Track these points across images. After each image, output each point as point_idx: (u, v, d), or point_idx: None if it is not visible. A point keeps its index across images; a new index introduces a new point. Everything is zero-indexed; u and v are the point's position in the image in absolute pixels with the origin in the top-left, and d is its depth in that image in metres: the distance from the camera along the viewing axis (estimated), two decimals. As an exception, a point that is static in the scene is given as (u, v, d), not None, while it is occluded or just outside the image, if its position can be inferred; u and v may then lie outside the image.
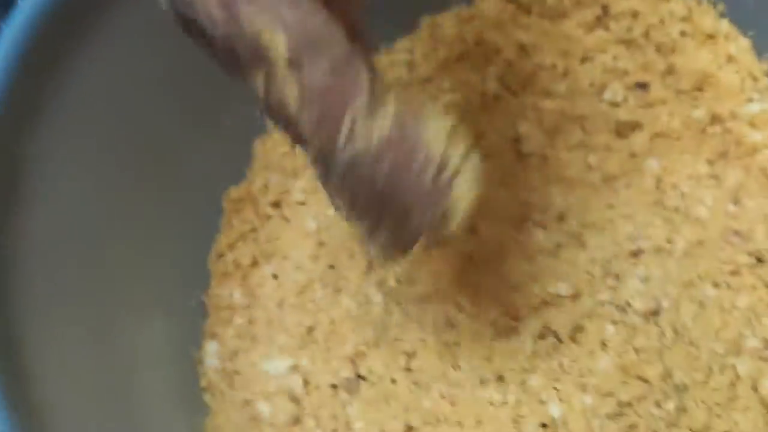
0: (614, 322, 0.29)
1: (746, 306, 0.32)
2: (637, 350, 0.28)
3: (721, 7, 0.37)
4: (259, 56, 0.19)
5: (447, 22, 0.41)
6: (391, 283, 0.34)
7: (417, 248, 0.23)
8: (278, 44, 0.19)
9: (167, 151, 0.36)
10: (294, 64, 0.19)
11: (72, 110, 0.30)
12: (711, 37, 0.37)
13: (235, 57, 0.20)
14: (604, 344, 0.29)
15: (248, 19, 0.19)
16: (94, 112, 0.32)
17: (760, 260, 0.33)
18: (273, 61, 0.19)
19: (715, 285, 0.33)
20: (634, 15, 0.38)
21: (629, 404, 0.28)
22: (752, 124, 0.35)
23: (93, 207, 0.32)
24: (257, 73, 0.20)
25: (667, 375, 0.28)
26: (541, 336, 0.29)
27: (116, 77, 0.32)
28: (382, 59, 0.41)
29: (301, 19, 0.19)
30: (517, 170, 0.37)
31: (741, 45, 0.37)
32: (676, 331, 0.31)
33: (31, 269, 0.28)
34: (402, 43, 0.41)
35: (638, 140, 0.37)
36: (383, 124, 0.20)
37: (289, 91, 0.19)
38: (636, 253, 0.33)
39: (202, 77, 0.33)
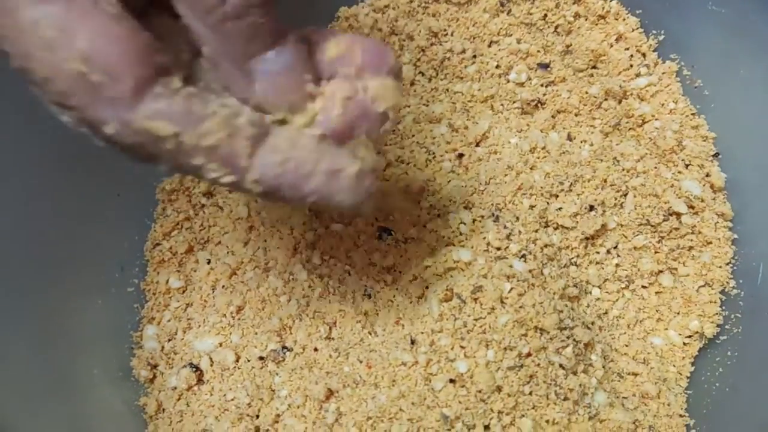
0: (508, 279, 0.32)
1: (631, 263, 0.36)
2: (533, 304, 0.31)
3: (610, -12, 0.40)
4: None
5: (362, 12, 0.43)
6: (316, 260, 0.36)
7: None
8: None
9: (103, 148, 0.38)
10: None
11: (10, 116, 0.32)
12: (602, 17, 0.40)
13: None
14: (502, 301, 0.31)
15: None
16: (21, 115, 0.33)
17: (648, 223, 0.36)
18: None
19: (614, 248, 0.36)
20: (533, -1, 0.41)
21: (528, 355, 0.30)
22: (641, 97, 0.38)
23: (32, 202, 0.34)
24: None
25: (563, 324, 0.31)
26: (446, 299, 0.32)
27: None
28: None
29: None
30: (432, 150, 0.40)
31: (629, 23, 0.39)
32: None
33: None
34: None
35: (542, 116, 0.40)
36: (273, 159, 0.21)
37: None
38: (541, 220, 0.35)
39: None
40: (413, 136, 0.40)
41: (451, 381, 0.30)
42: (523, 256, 0.33)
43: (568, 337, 0.31)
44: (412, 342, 0.31)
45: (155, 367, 0.36)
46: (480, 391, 0.30)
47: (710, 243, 0.35)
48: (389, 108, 0.23)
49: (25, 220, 0.33)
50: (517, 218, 0.35)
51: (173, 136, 0.20)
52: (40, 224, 0.34)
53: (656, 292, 0.36)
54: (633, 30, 0.39)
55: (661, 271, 0.36)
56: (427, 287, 0.33)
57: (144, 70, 0.19)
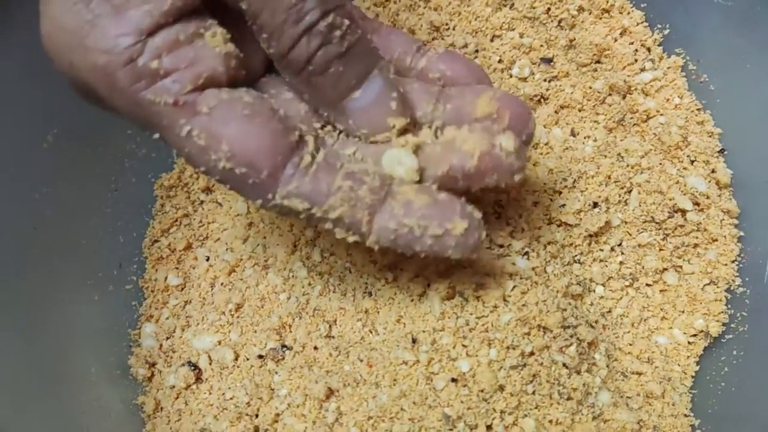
0: (511, 277, 0.31)
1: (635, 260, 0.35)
2: (536, 302, 0.30)
3: (614, -18, 0.39)
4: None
5: (364, 6, 0.42)
6: (316, 258, 0.36)
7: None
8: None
9: (102, 142, 0.37)
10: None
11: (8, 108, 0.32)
12: (606, 11, 0.39)
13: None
14: (505, 299, 0.31)
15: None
16: (17, 106, 0.33)
17: (653, 219, 0.35)
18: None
19: (618, 245, 0.36)
20: (537, -8, 0.40)
21: (532, 354, 0.30)
22: (645, 93, 0.38)
23: (27, 196, 0.33)
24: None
25: (566, 323, 0.31)
26: (448, 297, 0.31)
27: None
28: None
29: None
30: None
31: (634, 17, 0.39)
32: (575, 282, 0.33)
33: None
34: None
35: (545, 112, 0.39)
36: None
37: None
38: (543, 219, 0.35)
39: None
40: (414, 131, 0.40)
41: (453, 380, 0.29)
42: (526, 253, 0.33)
43: (571, 336, 0.31)
44: (414, 341, 0.30)
45: (153, 365, 0.36)
46: (482, 391, 0.29)
47: (716, 240, 0.35)
48: (518, 170, 0.26)
49: (20, 215, 0.33)
50: (521, 215, 0.34)
51: (305, 210, 0.24)
52: (36, 219, 0.34)
53: (661, 291, 0.35)
54: (638, 24, 0.38)
55: (665, 269, 0.35)
56: (428, 285, 0.32)
57: (275, 158, 0.24)
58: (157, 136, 0.24)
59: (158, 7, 0.23)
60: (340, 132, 0.27)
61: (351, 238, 0.25)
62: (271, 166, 0.24)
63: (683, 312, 0.34)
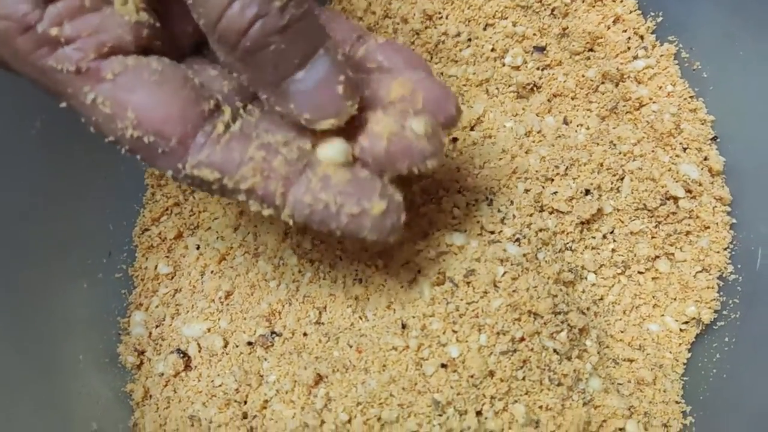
0: (502, 263, 0.31)
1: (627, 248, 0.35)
2: (527, 288, 0.30)
3: (607, -31, 0.39)
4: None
5: (356, -6, 0.42)
6: (307, 245, 0.36)
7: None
8: None
9: (86, 130, 0.37)
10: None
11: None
12: (599, -2, 0.39)
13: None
14: (495, 285, 0.30)
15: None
16: (14, 92, 0.32)
17: (645, 207, 0.35)
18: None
19: (610, 233, 0.35)
20: (529, -19, 0.40)
21: (522, 339, 0.30)
22: (638, 80, 0.38)
23: (15, 183, 0.33)
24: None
25: (557, 309, 0.30)
26: (438, 282, 0.31)
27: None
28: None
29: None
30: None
31: (627, 5, 0.38)
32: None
33: None
34: (315, 18, 0.43)
35: (537, 100, 0.39)
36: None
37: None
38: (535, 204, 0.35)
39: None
40: (407, 120, 0.39)
41: (443, 366, 0.29)
42: (518, 240, 0.33)
43: (562, 322, 0.31)
44: (403, 326, 0.30)
45: (142, 353, 0.35)
46: (472, 376, 0.29)
47: (708, 228, 0.35)
48: (431, 155, 0.25)
49: (7, 203, 0.33)
50: (512, 202, 0.34)
51: (217, 181, 0.23)
52: (24, 206, 0.34)
53: (653, 278, 0.35)
54: (631, 12, 0.38)
55: (657, 257, 0.35)
56: (419, 271, 0.32)
57: (184, 126, 0.23)
58: (64, 104, 0.24)
59: None
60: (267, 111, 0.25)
61: (266, 212, 0.24)
62: (181, 133, 0.23)
63: (675, 299, 0.34)
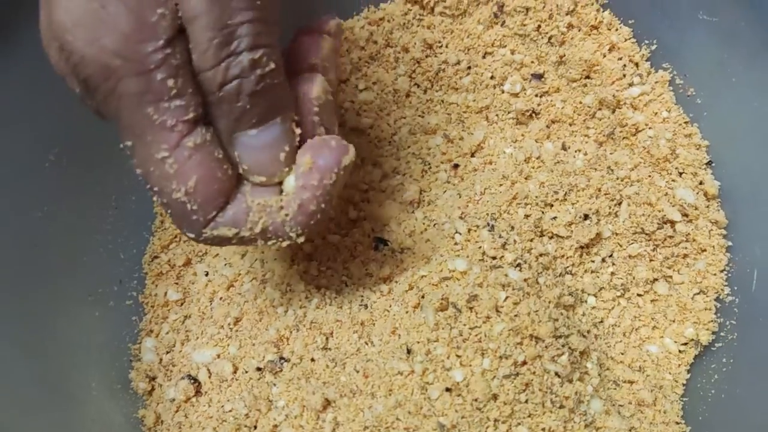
0: (504, 288, 0.32)
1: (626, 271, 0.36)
2: (528, 312, 0.31)
3: (602, -1, 0.40)
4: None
5: (358, 25, 0.43)
6: (313, 271, 0.36)
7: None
8: None
9: (103, 161, 0.38)
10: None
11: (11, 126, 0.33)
12: (595, 27, 0.40)
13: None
14: (497, 310, 0.31)
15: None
16: (17, 125, 0.33)
17: (643, 231, 0.36)
18: None
19: (609, 256, 0.36)
20: (527, 11, 0.41)
21: (524, 363, 0.30)
22: (634, 107, 0.39)
23: (28, 212, 0.34)
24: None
25: (558, 332, 0.31)
26: (442, 308, 0.32)
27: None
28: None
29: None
30: (428, 161, 0.40)
31: (622, 33, 0.40)
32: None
33: None
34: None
35: (536, 126, 0.40)
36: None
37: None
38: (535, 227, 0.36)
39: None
40: (409, 147, 0.41)
41: (447, 390, 0.30)
42: (519, 265, 0.34)
43: (563, 345, 0.31)
44: (408, 351, 0.31)
45: (153, 379, 0.36)
46: (476, 400, 0.30)
47: (704, 251, 0.35)
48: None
49: (21, 230, 0.34)
50: (512, 227, 0.35)
51: (235, 235, 0.27)
52: (36, 235, 0.35)
53: (651, 300, 0.36)
54: (626, 40, 0.39)
55: (656, 279, 0.36)
56: (422, 297, 0.33)
57: (222, 202, 0.26)
58: (128, 143, 0.25)
59: (172, 14, 0.23)
60: None
61: (284, 243, 0.27)
62: (217, 207, 0.26)
63: (674, 321, 0.35)
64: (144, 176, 0.25)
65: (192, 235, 0.27)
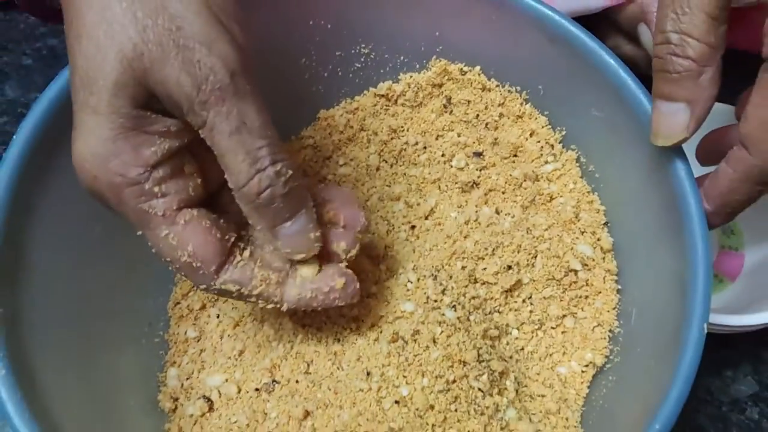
0: (440, 324, 0.42)
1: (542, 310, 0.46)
2: (457, 342, 0.41)
3: (524, 95, 0.50)
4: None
5: (338, 113, 0.54)
6: (300, 314, 0.47)
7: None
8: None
9: (136, 233, 0.48)
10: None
11: (56, 209, 0.41)
12: (519, 117, 0.51)
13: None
14: (434, 341, 0.41)
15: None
16: (72, 207, 0.44)
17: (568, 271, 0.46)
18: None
19: (528, 298, 0.46)
20: (468, 103, 0.52)
21: (454, 381, 0.40)
22: (549, 179, 0.49)
23: (79, 270, 0.43)
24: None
25: (481, 358, 0.41)
26: (393, 340, 0.42)
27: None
28: (294, 144, 0.55)
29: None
30: (392, 222, 0.51)
31: (540, 122, 0.50)
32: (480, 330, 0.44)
33: (38, 317, 0.39)
34: (307, 132, 0.54)
35: (476, 194, 0.50)
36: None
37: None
38: (468, 277, 0.46)
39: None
40: (378, 211, 0.51)
41: (396, 402, 0.40)
42: (454, 306, 0.44)
43: (485, 368, 0.41)
44: (368, 374, 0.41)
45: (176, 399, 0.46)
46: (418, 409, 0.39)
47: (600, 293, 0.45)
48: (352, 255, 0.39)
49: (73, 285, 0.43)
50: (451, 277, 0.45)
51: (237, 291, 0.34)
52: (85, 288, 0.44)
53: (562, 332, 0.45)
54: (543, 127, 0.50)
55: (565, 315, 0.45)
56: (380, 332, 0.43)
57: (221, 259, 0.33)
58: (140, 233, 0.32)
59: (162, 148, 0.30)
60: None
61: (269, 306, 0.36)
62: (218, 263, 0.33)
63: (578, 348, 0.45)
64: (158, 253, 0.33)
65: (203, 287, 0.34)
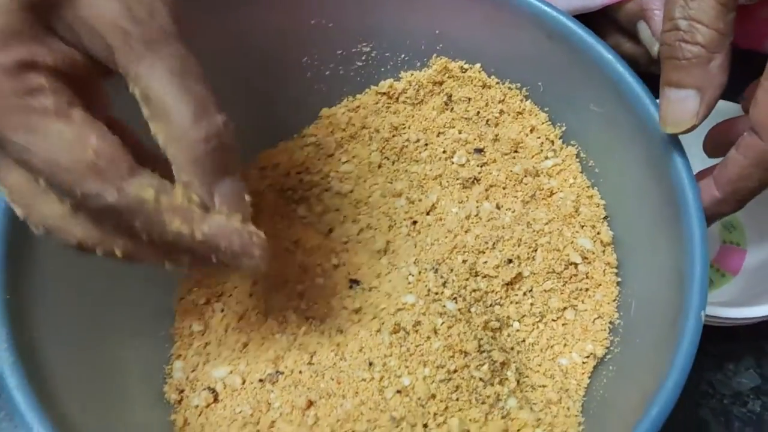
0: (441, 315, 0.42)
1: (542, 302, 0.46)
2: (458, 333, 0.42)
3: (524, 91, 0.51)
4: None
5: (340, 111, 0.55)
6: (303, 306, 0.47)
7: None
8: None
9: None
10: None
11: None
12: (520, 113, 0.51)
13: None
14: (435, 332, 0.42)
15: None
16: None
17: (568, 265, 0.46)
18: None
19: (529, 291, 0.47)
20: (469, 100, 0.52)
21: (455, 371, 0.41)
22: (549, 175, 0.50)
23: (86, 265, 0.44)
24: None
25: (482, 348, 0.42)
26: (395, 331, 0.42)
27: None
28: (296, 142, 0.55)
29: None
30: (394, 218, 0.51)
31: (540, 118, 0.51)
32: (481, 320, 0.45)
33: (44, 305, 0.40)
34: (309, 130, 0.55)
35: (477, 190, 0.51)
36: None
37: None
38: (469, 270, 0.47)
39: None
40: (380, 207, 0.51)
41: (398, 392, 0.40)
42: (455, 298, 0.44)
43: (486, 358, 0.42)
44: (370, 364, 0.42)
45: (182, 391, 0.46)
46: (419, 399, 0.40)
47: (600, 285, 0.46)
48: None
49: (83, 280, 0.44)
50: (452, 270, 0.46)
51: (155, 198, 0.27)
52: (93, 284, 0.45)
53: (563, 324, 0.46)
54: (543, 123, 0.50)
55: (566, 308, 0.46)
56: (382, 323, 0.43)
57: (131, 159, 0.27)
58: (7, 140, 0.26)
59: (56, 62, 0.26)
60: None
61: (183, 231, 0.28)
62: (129, 161, 0.27)
63: (579, 340, 0.45)
64: (42, 163, 0.26)
65: (112, 198, 0.26)
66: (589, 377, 0.45)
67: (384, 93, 0.54)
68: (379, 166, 0.53)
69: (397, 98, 0.54)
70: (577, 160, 0.49)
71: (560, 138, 0.50)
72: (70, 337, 0.42)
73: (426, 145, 0.53)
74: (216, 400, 0.45)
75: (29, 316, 0.39)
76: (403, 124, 0.54)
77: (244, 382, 0.45)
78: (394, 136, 0.53)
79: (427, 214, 0.51)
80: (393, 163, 0.53)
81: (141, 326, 0.49)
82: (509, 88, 0.52)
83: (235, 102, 0.48)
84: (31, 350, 0.38)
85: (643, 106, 0.42)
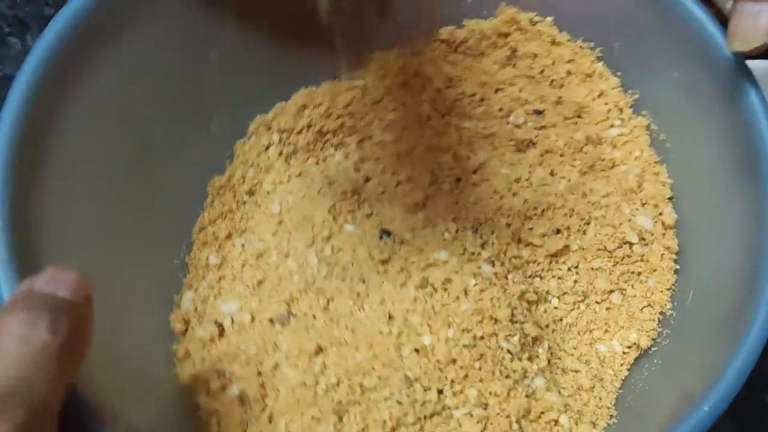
0: (475, 277, 0.39)
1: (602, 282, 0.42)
2: (491, 298, 0.38)
3: (597, 52, 0.47)
4: None
5: (392, 56, 0.51)
6: (327, 252, 0.44)
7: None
8: None
9: (169, 148, 0.47)
10: None
11: (87, 112, 0.39)
12: (589, 75, 0.47)
13: None
14: (466, 293, 0.38)
15: None
16: (106, 114, 0.42)
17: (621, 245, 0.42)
18: None
19: (575, 267, 0.43)
20: (534, 56, 0.48)
21: (482, 338, 0.37)
22: (613, 145, 0.45)
23: (105, 190, 0.42)
24: None
25: (514, 318, 0.38)
26: (422, 286, 0.39)
27: (125, 89, 0.41)
28: (342, 84, 0.52)
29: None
30: (437, 174, 0.47)
31: (611, 83, 0.46)
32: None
33: (60, 234, 0.37)
34: (358, 72, 0.52)
35: (532, 154, 0.47)
36: None
37: None
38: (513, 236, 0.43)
39: (196, 92, 0.44)
40: (423, 161, 0.48)
41: (416, 350, 0.37)
42: (492, 262, 0.40)
43: (517, 330, 0.38)
44: (390, 317, 0.38)
45: (188, 322, 0.44)
46: (438, 361, 0.36)
47: (655, 270, 0.41)
48: None
49: (101, 205, 0.41)
50: (493, 232, 0.42)
51: None
52: (110, 209, 0.42)
53: (606, 308, 0.42)
54: (613, 88, 0.46)
55: (612, 291, 0.42)
56: (409, 277, 0.40)
57: None
58: None
59: None
60: None
61: None
62: None
63: (623, 327, 0.41)
64: None
65: None
66: (629, 369, 0.40)
67: (443, 40, 0.50)
68: (428, 118, 0.49)
69: (457, 48, 0.50)
70: (647, 132, 0.45)
71: (630, 107, 0.46)
72: (84, 259, 0.39)
73: (481, 100, 0.49)
74: (222, 335, 0.42)
75: (41, 227, 0.36)
76: (460, 77, 0.50)
77: (253, 320, 0.42)
78: (448, 87, 0.50)
79: (474, 173, 0.47)
80: (443, 116, 0.49)
81: (156, 253, 0.46)
82: (581, 47, 0.47)
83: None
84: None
85: (729, 72, 0.37)
